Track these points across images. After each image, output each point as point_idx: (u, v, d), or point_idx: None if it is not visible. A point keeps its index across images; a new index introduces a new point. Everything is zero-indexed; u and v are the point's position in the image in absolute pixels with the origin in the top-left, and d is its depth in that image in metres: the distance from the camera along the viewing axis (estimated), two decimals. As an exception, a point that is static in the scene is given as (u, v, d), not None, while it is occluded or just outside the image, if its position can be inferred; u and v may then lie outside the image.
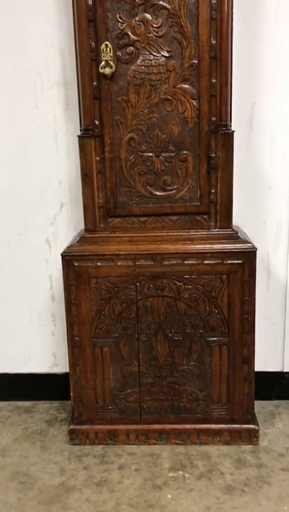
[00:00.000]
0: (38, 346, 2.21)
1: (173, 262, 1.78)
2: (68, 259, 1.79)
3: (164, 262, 1.78)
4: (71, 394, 1.90)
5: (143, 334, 1.83)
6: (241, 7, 1.85)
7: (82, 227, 1.85)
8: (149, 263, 1.78)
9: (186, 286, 1.79)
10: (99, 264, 1.79)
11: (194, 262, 1.78)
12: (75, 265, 1.79)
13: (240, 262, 1.77)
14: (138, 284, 1.79)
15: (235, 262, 1.77)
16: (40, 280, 2.15)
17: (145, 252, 1.78)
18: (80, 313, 1.82)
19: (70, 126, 2.00)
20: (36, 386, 2.23)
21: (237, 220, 1.94)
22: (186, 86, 1.70)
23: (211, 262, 1.77)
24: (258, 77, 1.94)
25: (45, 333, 2.20)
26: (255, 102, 1.96)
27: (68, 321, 1.84)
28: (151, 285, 1.79)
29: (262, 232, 2.06)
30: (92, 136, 1.75)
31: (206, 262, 1.77)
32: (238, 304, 1.80)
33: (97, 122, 1.74)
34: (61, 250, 1.84)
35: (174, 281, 1.79)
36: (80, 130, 1.78)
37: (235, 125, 1.82)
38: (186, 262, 1.78)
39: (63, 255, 1.80)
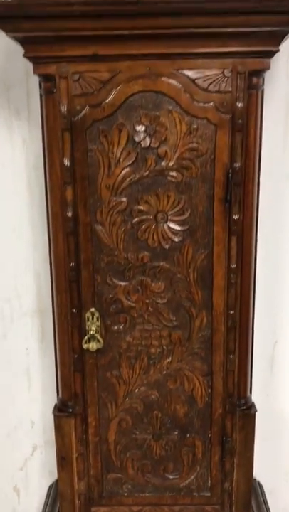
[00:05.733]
0: None
1: None
2: None
3: None
4: None
5: None
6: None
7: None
8: None
9: None
10: None
11: None
12: None
13: None
14: None
15: None
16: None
17: None
18: None
19: (45, 361, 1.60)
20: None
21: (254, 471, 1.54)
22: (195, 361, 1.31)
23: None
24: (282, 307, 1.56)
25: None
26: (277, 341, 1.58)
27: None
28: None
29: (283, 485, 1.66)
30: (72, 414, 1.34)
31: None
32: None
33: (78, 398, 1.34)
34: (32, 500, 1.43)
35: None
36: (56, 403, 1.37)
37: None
38: None
39: None
